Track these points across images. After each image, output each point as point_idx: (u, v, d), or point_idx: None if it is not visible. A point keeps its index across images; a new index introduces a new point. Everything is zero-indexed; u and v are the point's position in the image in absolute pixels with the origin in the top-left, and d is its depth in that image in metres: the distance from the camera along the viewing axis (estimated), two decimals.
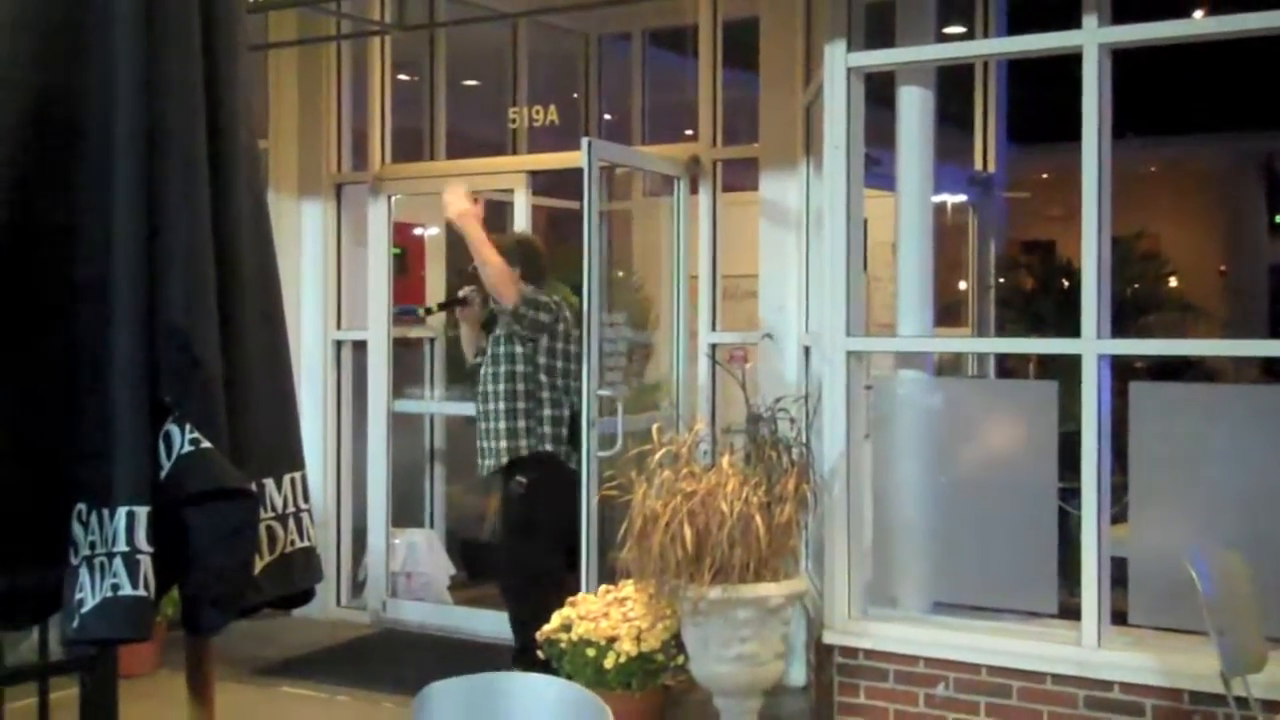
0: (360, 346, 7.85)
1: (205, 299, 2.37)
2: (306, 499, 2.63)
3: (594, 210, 6.26)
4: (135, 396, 2.32)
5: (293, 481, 2.59)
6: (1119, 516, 5.21)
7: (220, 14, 2.50)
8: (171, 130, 2.42)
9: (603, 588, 5.77)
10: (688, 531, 5.11)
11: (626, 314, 7.20)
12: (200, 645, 2.60)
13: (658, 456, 5.32)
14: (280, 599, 2.64)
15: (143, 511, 2.29)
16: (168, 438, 2.33)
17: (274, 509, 2.52)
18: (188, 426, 2.32)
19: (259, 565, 2.47)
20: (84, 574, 2.33)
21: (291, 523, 2.57)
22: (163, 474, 2.33)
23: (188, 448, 2.31)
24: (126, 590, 2.29)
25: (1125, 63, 5.25)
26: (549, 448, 6.38)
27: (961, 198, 7.80)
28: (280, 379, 2.66)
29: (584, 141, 6.30)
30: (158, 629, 5.10)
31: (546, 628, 5.67)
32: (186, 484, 2.31)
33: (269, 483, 2.52)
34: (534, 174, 7.46)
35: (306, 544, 2.63)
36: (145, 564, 2.28)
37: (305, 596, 2.68)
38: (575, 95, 9.17)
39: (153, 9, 2.42)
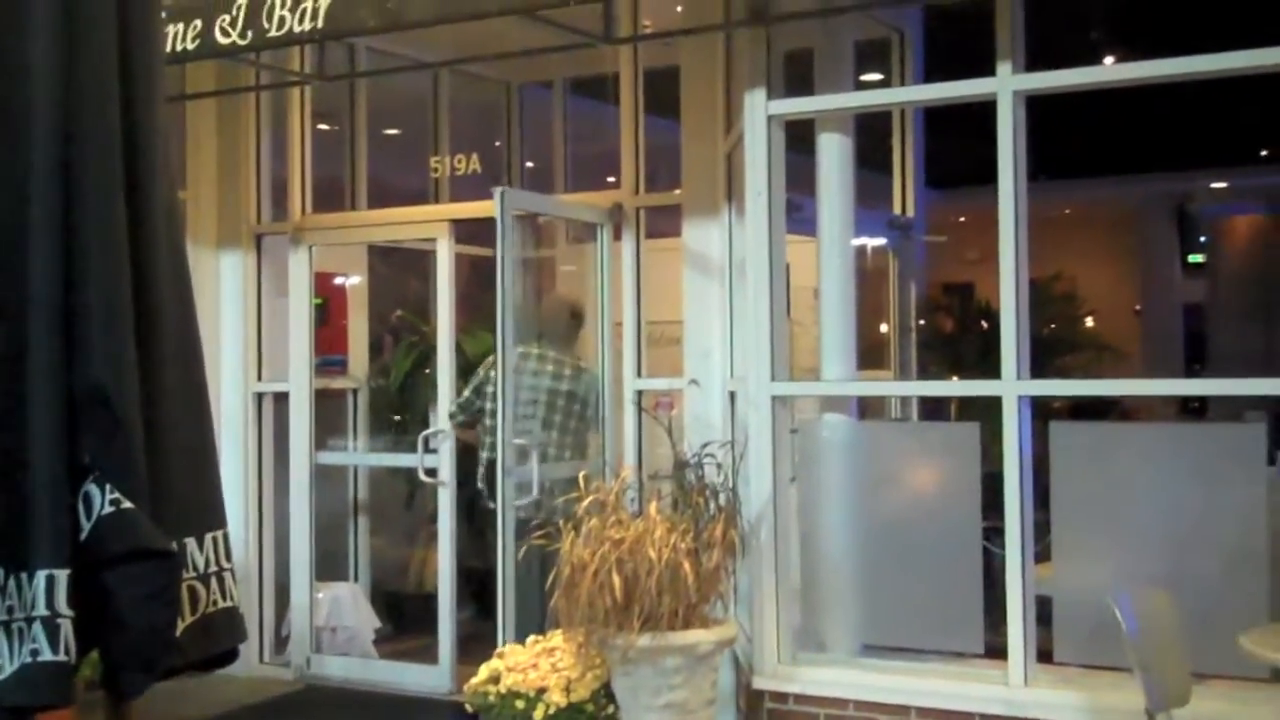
0: (282, 398, 7.76)
1: (126, 360, 2.34)
2: (229, 557, 2.59)
3: (508, 259, 6.30)
4: (55, 457, 2.28)
5: (214, 540, 2.55)
6: (1043, 555, 5.26)
7: (138, 67, 2.48)
8: (88, 185, 2.39)
9: (531, 638, 5.72)
10: (616, 580, 5.08)
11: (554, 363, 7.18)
12: (122, 709, 2.54)
13: (584, 504, 5.29)
14: (202, 660, 2.58)
15: (62, 575, 2.24)
16: (87, 498, 2.29)
17: (195, 569, 2.48)
18: (108, 487, 2.27)
19: (181, 626, 2.42)
20: (1, 640, 2.27)
21: (214, 582, 2.52)
22: (83, 535, 2.28)
23: (108, 508, 2.27)
24: (46, 655, 2.23)
25: (1039, 106, 5.35)
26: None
27: (881, 241, 7.87)
28: (202, 436, 2.62)
29: (496, 191, 6.35)
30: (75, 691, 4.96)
31: (474, 680, 5.61)
32: (107, 545, 2.27)
33: (190, 542, 2.48)
34: (456, 222, 7.44)
35: (229, 604, 2.58)
36: (66, 628, 2.23)
37: (228, 657, 2.63)
38: (497, 143, 9.17)
39: (70, 61, 2.39)
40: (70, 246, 2.36)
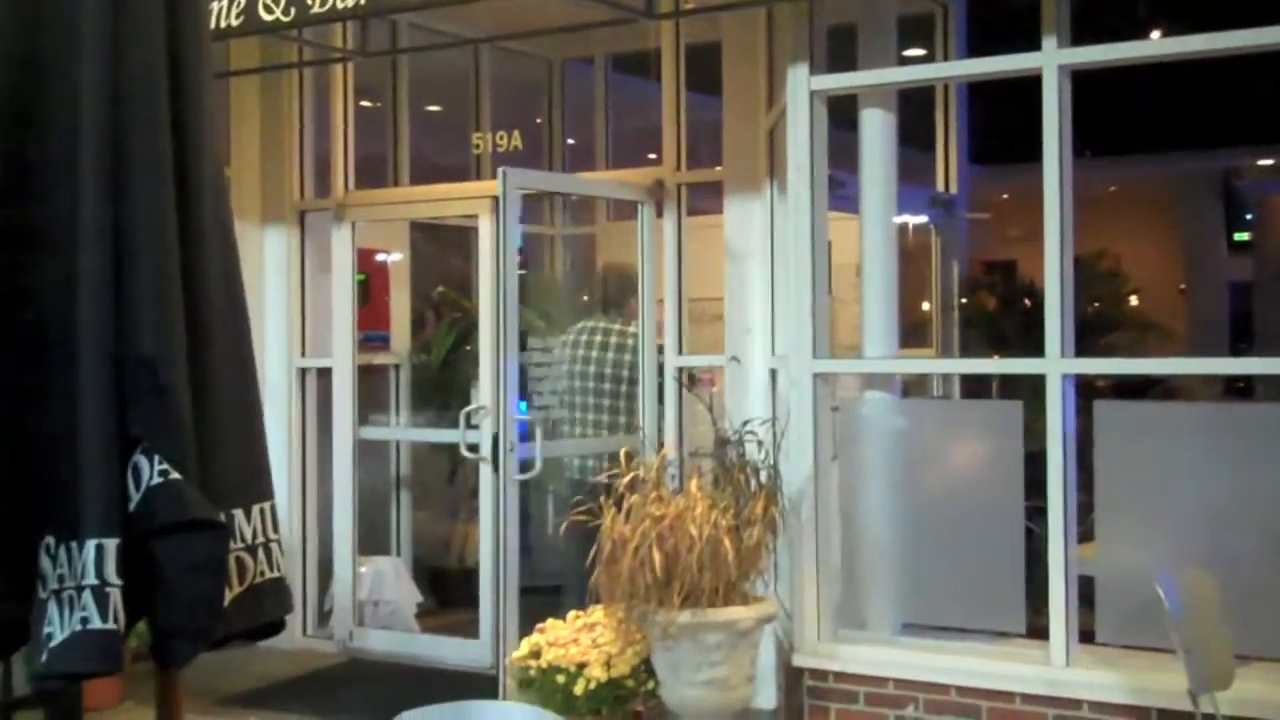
0: (325, 374, 7.81)
1: (174, 331, 2.36)
2: (276, 529, 2.62)
3: (508, 238, 6.47)
4: (103, 428, 2.30)
5: (262, 512, 2.57)
6: (1086, 535, 5.24)
7: (187, 48, 2.49)
8: (138, 163, 2.41)
9: (572, 613, 5.74)
10: (657, 556, 5.10)
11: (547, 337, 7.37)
12: (169, 678, 2.58)
13: (626, 480, 5.31)
14: (249, 630, 2.61)
15: (111, 544, 2.27)
16: (136, 469, 2.31)
17: (243, 540, 2.50)
18: (156, 458, 2.30)
19: (228, 597, 2.45)
20: (52, 608, 2.31)
21: (261, 553, 2.55)
22: (131, 506, 2.31)
23: (156, 479, 2.29)
24: (96, 624, 2.26)
25: (1084, 82, 5.31)
26: None
27: (924, 219, 7.83)
28: (249, 409, 2.64)
29: (500, 171, 6.46)
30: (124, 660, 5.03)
31: (515, 654, 5.64)
32: (155, 516, 2.29)
33: (238, 513, 2.50)
34: (498, 199, 7.44)
35: (276, 575, 2.61)
36: (115, 597, 2.26)
37: (274, 628, 2.66)
38: (539, 120, 9.17)
39: (119, 45, 2.41)
40: (119, 219, 2.38)
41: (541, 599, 6.62)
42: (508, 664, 5.67)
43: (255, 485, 2.59)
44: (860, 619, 5.67)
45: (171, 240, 2.38)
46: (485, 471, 7.21)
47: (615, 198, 7.36)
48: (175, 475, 2.31)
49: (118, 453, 2.32)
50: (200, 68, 2.56)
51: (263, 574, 2.55)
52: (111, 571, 2.27)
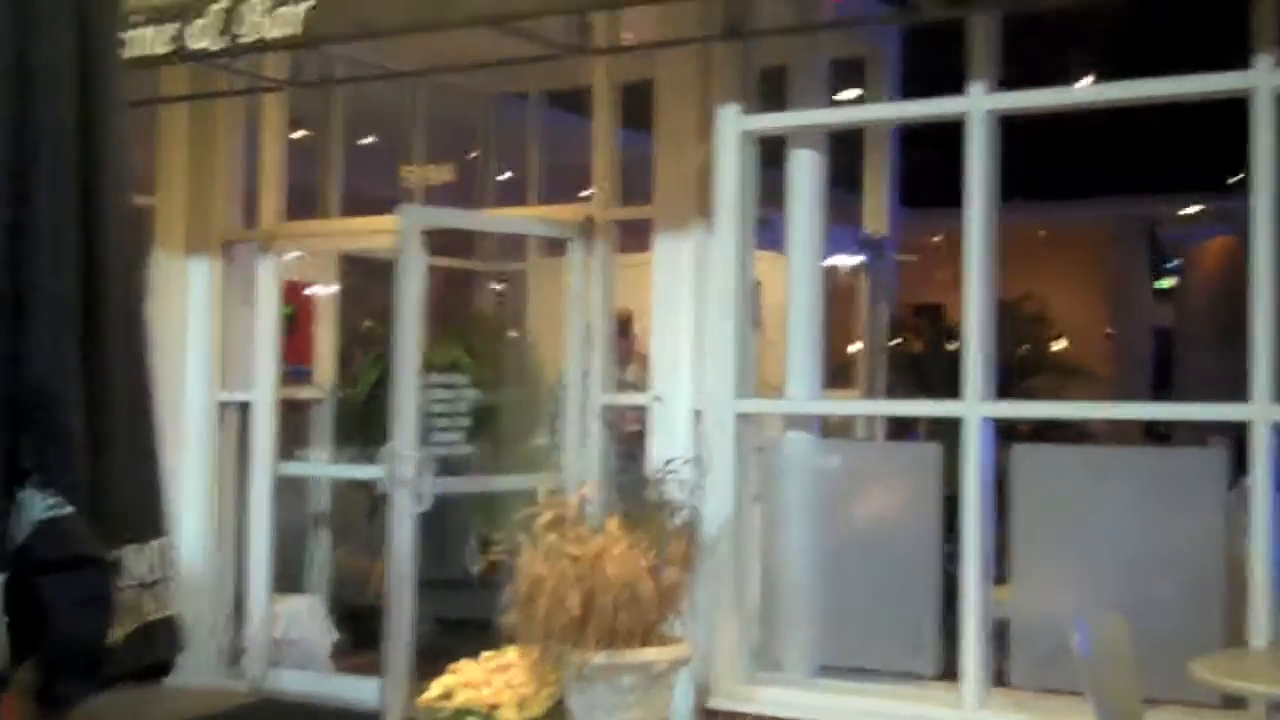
0: (247, 408, 7.71)
1: (69, 359, 2.31)
2: (171, 566, 2.56)
3: (413, 274, 6.56)
4: None
5: (157, 548, 2.52)
6: (1003, 578, 5.27)
7: (97, 70, 2.45)
8: (38, 193, 2.36)
9: (485, 654, 5.68)
10: (574, 596, 5.07)
11: (472, 372, 7.34)
12: (57, 718, 2.51)
13: (544, 519, 5.27)
14: (141, 670, 2.55)
15: None
16: (24, 503, 2.26)
17: (135, 576, 2.45)
18: (47, 491, 2.25)
19: (120, 635, 2.39)
20: None
21: (155, 591, 2.49)
22: (19, 541, 2.26)
23: (46, 514, 2.24)
24: None
25: (1015, 128, 5.38)
26: None
27: (855, 260, 7.88)
28: (147, 443, 2.59)
29: (401, 208, 6.55)
30: (9, 703, 4.91)
31: (426, 696, 5.58)
32: (43, 551, 2.24)
33: (130, 549, 2.45)
34: (427, 233, 7.41)
35: (169, 613, 2.55)
36: None
37: (167, 667, 2.60)
38: (472, 154, 9.16)
39: (24, 61, 2.37)
40: (16, 248, 2.33)
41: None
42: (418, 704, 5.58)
43: (150, 521, 2.54)
44: (777, 660, 5.67)
45: (69, 270, 2.34)
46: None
47: (530, 234, 7.44)
48: (65, 510, 2.26)
49: (5, 486, 2.26)
50: (112, 93, 2.52)
51: (155, 612, 2.50)
52: None
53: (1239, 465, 5.12)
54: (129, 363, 2.55)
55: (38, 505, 2.27)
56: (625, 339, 6.91)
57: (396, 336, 6.53)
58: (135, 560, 2.46)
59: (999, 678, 5.15)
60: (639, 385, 7.01)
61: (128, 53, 6.10)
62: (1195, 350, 15.24)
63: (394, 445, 6.47)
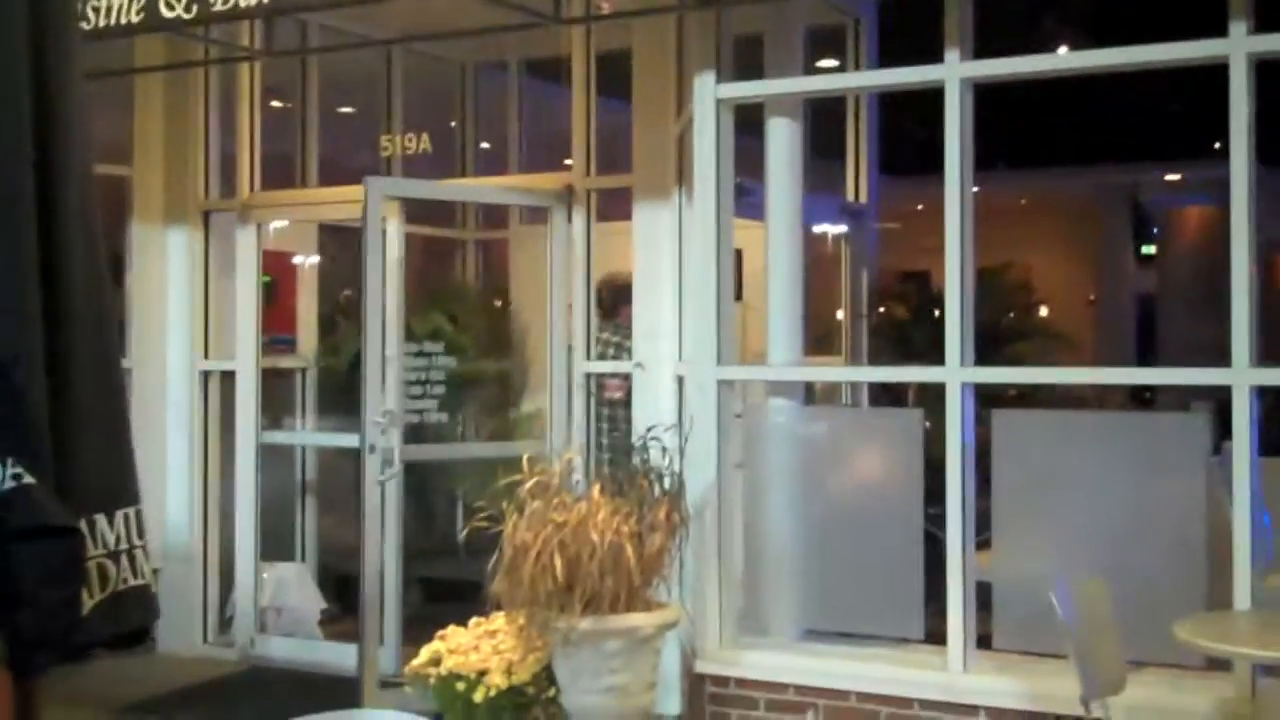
0: (229, 377, 7.69)
1: (30, 331, 2.28)
2: (141, 535, 2.54)
3: (374, 244, 6.65)
4: None
5: (126, 517, 2.50)
6: (985, 542, 5.28)
7: (52, 43, 2.41)
8: None
9: (473, 620, 5.69)
10: (558, 562, 5.06)
11: (446, 341, 7.39)
12: (27, 688, 2.49)
13: (528, 486, 5.27)
14: (114, 639, 2.54)
15: None
16: None
17: (106, 545, 2.43)
18: (9, 461, 2.23)
19: (90, 604, 2.38)
20: None
21: (125, 560, 2.47)
22: None
23: (9, 484, 2.22)
24: None
25: (997, 96, 5.37)
26: None
27: (835, 228, 7.87)
28: (113, 413, 2.57)
29: (366, 179, 6.60)
30: None
31: (415, 661, 5.58)
32: (7, 522, 2.22)
33: (100, 518, 2.43)
34: (406, 201, 7.38)
35: (141, 582, 2.53)
36: None
37: (140, 636, 2.59)
38: (451, 124, 9.11)
39: None
40: None
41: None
42: (406, 671, 5.59)
43: (119, 490, 2.52)
44: (763, 625, 5.68)
45: (27, 238, 2.31)
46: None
47: (503, 203, 7.48)
48: (29, 479, 2.24)
49: None
50: (68, 65, 2.48)
51: (126, 581, 2.48)
52: None
53: (1222, 429, 5.13)
54: (92, 332, 2.52)
55: (2, 476, 2.25)
56: (627, 306, 6.89)
57: (364, 306, 6.62)
58: (105, 529, 2.44)
59: (983, 641, 5.16)
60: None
61: (99, 21, 6.05)
62: (1178, 315, 15.29)
63: (363, 412, 6.56)
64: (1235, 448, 4.74)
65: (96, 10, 6.16)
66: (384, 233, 7.37)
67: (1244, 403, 4.73)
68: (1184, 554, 4.93)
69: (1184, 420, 5.89)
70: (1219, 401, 5.67)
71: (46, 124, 2.41)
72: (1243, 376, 4.74)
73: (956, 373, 5.12)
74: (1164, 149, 13.91)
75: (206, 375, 7.76)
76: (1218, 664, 4.64)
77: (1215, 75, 4.88)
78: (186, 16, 5.97)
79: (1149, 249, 17.39)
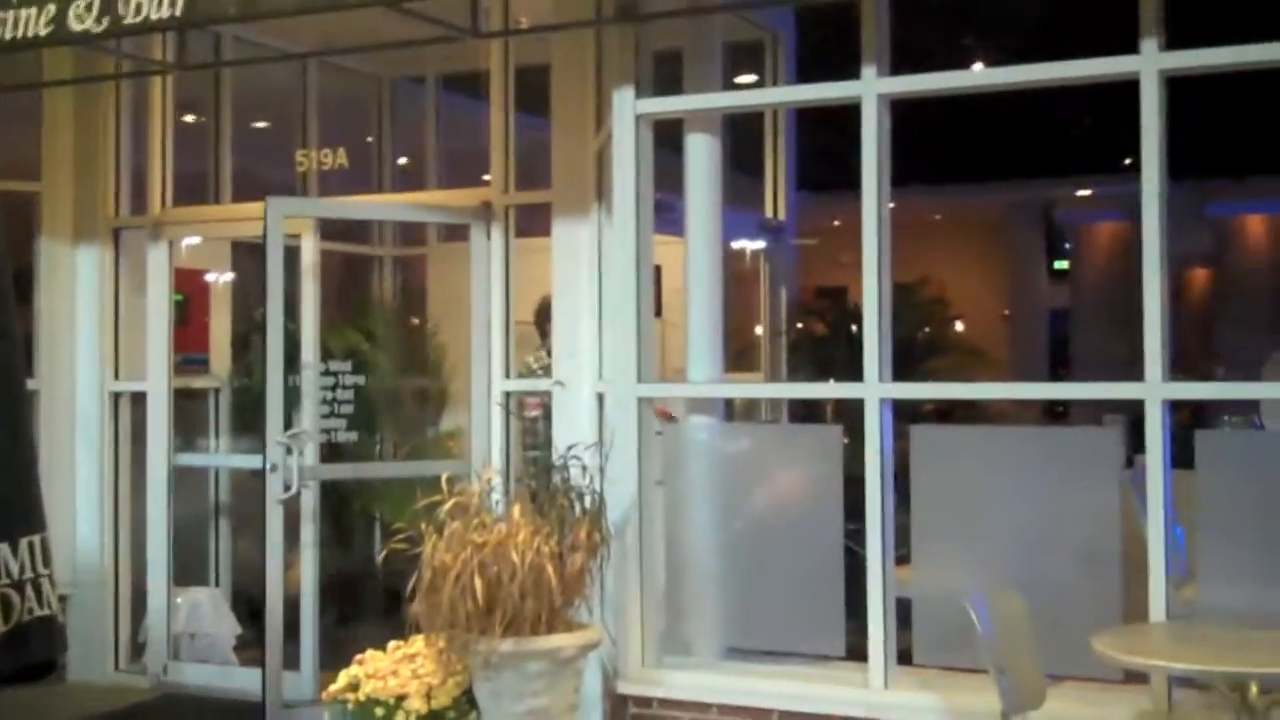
0: (140, 398, 7.53)
1: None
2: (47, 563, 2.47)
3: (275, 264, 6.71)
4: None
5: (30, 545, 2.42)
6: (905, 558, 5.29)
7: None
8: None
9: (391, 644, 5.61)
10: (478, 583, 5.00)
11: (362, 358, 7.42)
12: None
13: (446, 506, 5.20)
14: (19, 671, 2.46)
15: None
16: None
17: (9, 575, 2.35)
18: None
19: None
20: None
21: (29, 589, 2.40)
22: None
23: None
24: None
25: (911, 113, 5.40)
26: None
27: (756, 244, 7.90)
28: (18, 440, 2.49)
29: (267, 200, 6.64)
30: None
31: (333, 687, 5.49)
32: None
33: (3, 547, 2.35)
34: (322, 218, 7.29)
35: (46, 612, 2.46)
36: None
37: (48, 668, 2.50)
38: (368, 139, 9.02)
39: None
40: None
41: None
42: (324, 696, 5.50)
43: (23, 518, 2.45)
44: (685, 644, 5.65)
45: None
46: (307, 499, 7.01)
47: (410, 220, 7.60)
48: None
49: None
50: None
51: (31, 611, 2.40)
52: None
53: (1134, 443, 5.19)
54: None
55: None
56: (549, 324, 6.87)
57: (266, 325, 6.67)
58: (8, 557, 2.36)
59: (904, 656, 5.17)
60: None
61: (4, 34, 5.91)
62: (1090, 330, 15.53)
63: (266, 431, 6.62)
64: (1149, 462, 4.80)
65: (3, 22, 6.02)
66: (299, 250, 7.29)
67: (1157, 417, 4.78)
68: (1099, 567, 4.97)
69: (1098, 434, 5.96)
70: (1132, 415, 5.75)
71: None
72: (1156, 391, 4.79)
73: (875, 388, 5.13)
74: (1075, 165, 14.13)
75: (117, 396, 7.61)
76: (1135, 677, 4.67)
77: (1126, 91, 4.94)
78: (96, 29, 5.84)
79: (1062, 264, 17.66)
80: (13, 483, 2.44)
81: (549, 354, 6.87)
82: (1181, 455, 4.90)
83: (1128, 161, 5.30)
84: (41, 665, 2.48)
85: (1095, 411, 8.24)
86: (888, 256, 5.17)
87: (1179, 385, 4.90)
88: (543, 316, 7.03)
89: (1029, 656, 4.41)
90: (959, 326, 11.90)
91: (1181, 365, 4.98)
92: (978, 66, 7.06)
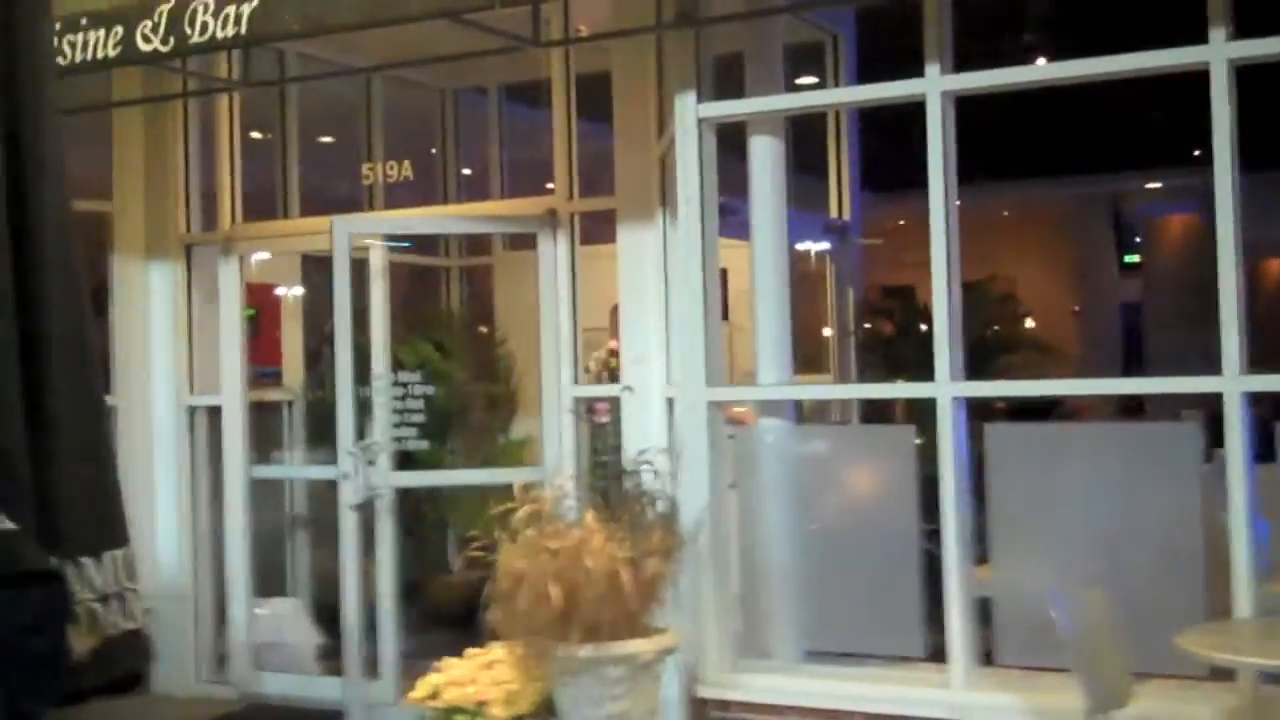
0: (215, 412, 7.62)
1: (4, 381, 2.23)
2: (132, 577, 2.50)
3: (342, 283, 6.93)
4: None
5: (115, 560, 2.45)
6: (983, 557, 5.25)
7: (24, 76, 2.37)
8: None
9: (470, 651, 5.63)
10: (555, 590, 5.00)
11: (433, 369, 7.45)
12: None
13: (520, 514, 5.21)
14: (111, 683, 2.49)
15: None
16: None
17: (94, 589, 2.39)
18: None
19: (82, 648, 2.33)
20: None
21: (115, 603, 2.43)
22: None
23: None
24: None
25: (976, 109, 5.35)
26: None
27: (820, 245, 7.86)
28: (99, 456, 2.52)
29: (333, 220, 6.78)
30: None
31: (413, 694, 5.51)
32: None
33: (88, 562, 2.38)
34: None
35: (132, 625, 2.49)
36: None
37: (134, 680, 2.54)
38: (432, 150, 9.09)
39: None
40: None
41: None
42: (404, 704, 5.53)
43: (107, 532, 2.48)
44: (763, 647, 5.63)
45: (2, 289, 2.27)
46: (383, 508, 7.06)
47: (478, 233, 7.70)
48: (8, 525, 2.19)
49: None
50: (40, 99, 2.44)
51: (117, 625, 2.43)
52: None
53: (1212, 437, 5.11)
54: (73, 373, 2.47)
55: None
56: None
57: (335, 339, 6.86)
58: (92, 573, 2.39)
59: (985, 657, 5.12)
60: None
61: (76, 56, 6.01)
62: (1164, 323, 15.30)
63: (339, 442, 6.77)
64: (1229, 455, 4.72)
65: (73, 45, 6.13)
66: (367, 263, 7.35)
67: (1236, 410, 4.71)
68: (1180, 563, 4.90)
69: (1177, 429, 5.85)
70: (1209, 409, 5.66)
71: (19, 162, 2.37)
72: (1234, 384, 4.72)
73: (948, 387, 5.09)
74: (1144, 157, 13.95)
75: (193, 410, 7.70)
76: (1220, 673, 4.60)
77: (1195, 82, 4.87)
78: (164, 49, 5.95)
79: (1132, 258, 17.43)
80: (96, 498, 2.47)
81: (613, 356, 6.90)
82: (1263, 449, 4.82)
83: (1196, 153, 5.23)
84: (129, 677, 2.51)
85: (1172, 406, 8.11)
86: (956, 255, 5.13)
87: (1258, 378, 4.82)
88: (617, 320, 7.05)
89: (1114, 655, 4.35)
90: (1029, 323, 11.77)
91: (1260, 357, 4.89)
92: (1041, 61, 6.98)
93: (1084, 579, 4.72)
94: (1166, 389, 6.06)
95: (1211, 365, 4.81)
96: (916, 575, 5.31)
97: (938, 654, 5.19)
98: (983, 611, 5.16)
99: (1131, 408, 9.80)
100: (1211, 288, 4.81)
